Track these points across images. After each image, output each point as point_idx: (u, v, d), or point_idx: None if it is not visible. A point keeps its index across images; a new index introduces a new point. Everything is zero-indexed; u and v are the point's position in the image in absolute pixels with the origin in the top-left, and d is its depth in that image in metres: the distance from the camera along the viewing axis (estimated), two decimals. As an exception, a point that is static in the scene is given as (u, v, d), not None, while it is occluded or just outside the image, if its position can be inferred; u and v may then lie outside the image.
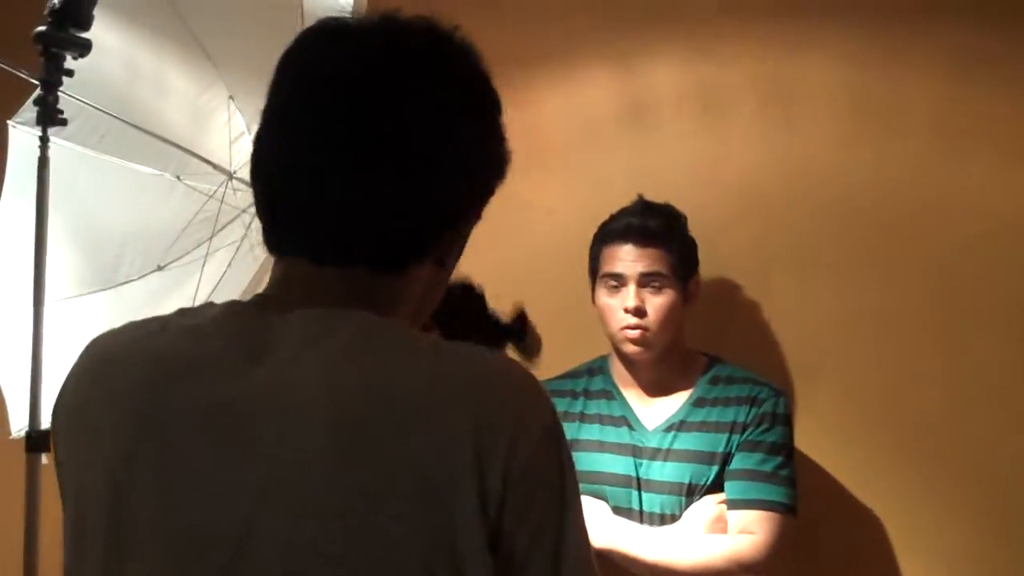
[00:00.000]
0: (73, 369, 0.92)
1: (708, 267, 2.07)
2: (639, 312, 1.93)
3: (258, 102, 0.94)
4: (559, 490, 0.82)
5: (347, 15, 0.94)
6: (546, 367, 2.09)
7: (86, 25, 1.91)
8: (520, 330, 1.18)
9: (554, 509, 0.82)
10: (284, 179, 0.90)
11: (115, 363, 0.89)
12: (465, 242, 0.99)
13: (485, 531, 0.77)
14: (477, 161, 0.94)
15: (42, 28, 1.86)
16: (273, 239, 0.92)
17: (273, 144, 0.92)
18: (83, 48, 1.92)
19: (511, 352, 1.26)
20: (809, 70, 2.28)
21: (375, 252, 0.89)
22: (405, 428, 0.78)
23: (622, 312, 1.95)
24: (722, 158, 2.35)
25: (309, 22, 0.96)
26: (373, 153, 0.87)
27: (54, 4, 1.84)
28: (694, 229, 2.05)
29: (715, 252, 2.13)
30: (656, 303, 1.94)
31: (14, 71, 1.92)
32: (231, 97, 2.27)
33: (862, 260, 2.21)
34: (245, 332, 0.86)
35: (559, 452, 0.83)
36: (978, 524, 2.09)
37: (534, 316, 2.37)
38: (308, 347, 0.83)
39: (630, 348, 1.96)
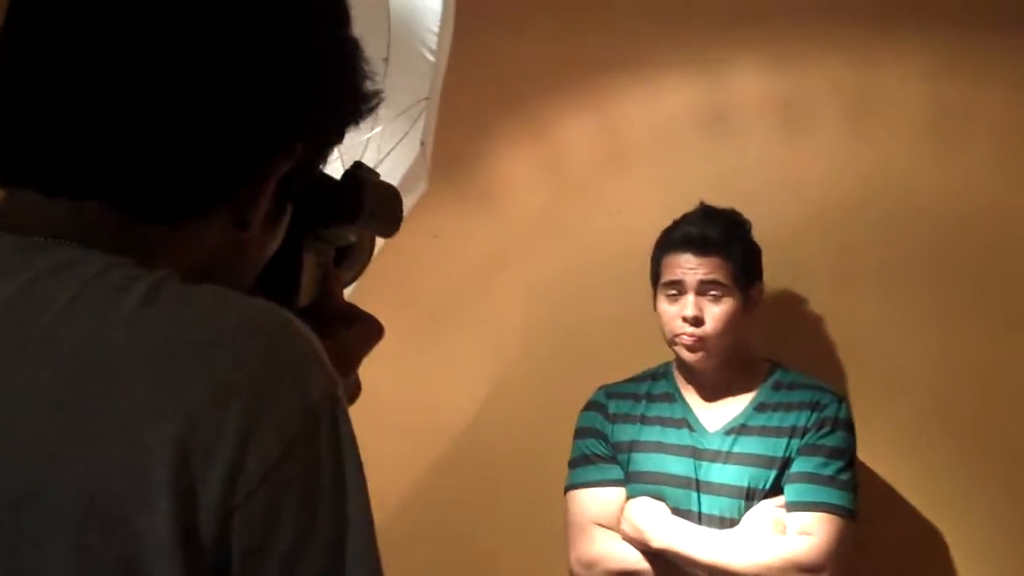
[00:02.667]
0: None
1: (780, 273, 2.08)
2: (697, 321, 1.95)
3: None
4: (332, 488, 0.60)
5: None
6: (615, 371, 2.13)
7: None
8: (353, 199, 0.79)
9: (324, 518, 0.59)
10: (13, 92, 0.68)
11: None
12: (285, 203, 0.74)
13: (188, 566, 0.56)
14: (283, 87, 0.68)
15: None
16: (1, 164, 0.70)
17: (4, 54, 0.69)
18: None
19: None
20: (891, 82, 2.28)
21: (125, 190, 0.66)
22: (75, 412, 0.56)
23: (680, 320, 1.97)
24: (800, 167, 2.35)
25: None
26: (117, 64, 0.65)
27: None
28: (767, 235, 2.06)
29: (788, 260, 2.13)
30: (715, 311, 1.95)
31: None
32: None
33: (934, 273, 2.21)
34: None
35: (333, 438, 0.60)
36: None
37: (610, 319, 2.39)
38: None
39: (687, 355, 1.99)
